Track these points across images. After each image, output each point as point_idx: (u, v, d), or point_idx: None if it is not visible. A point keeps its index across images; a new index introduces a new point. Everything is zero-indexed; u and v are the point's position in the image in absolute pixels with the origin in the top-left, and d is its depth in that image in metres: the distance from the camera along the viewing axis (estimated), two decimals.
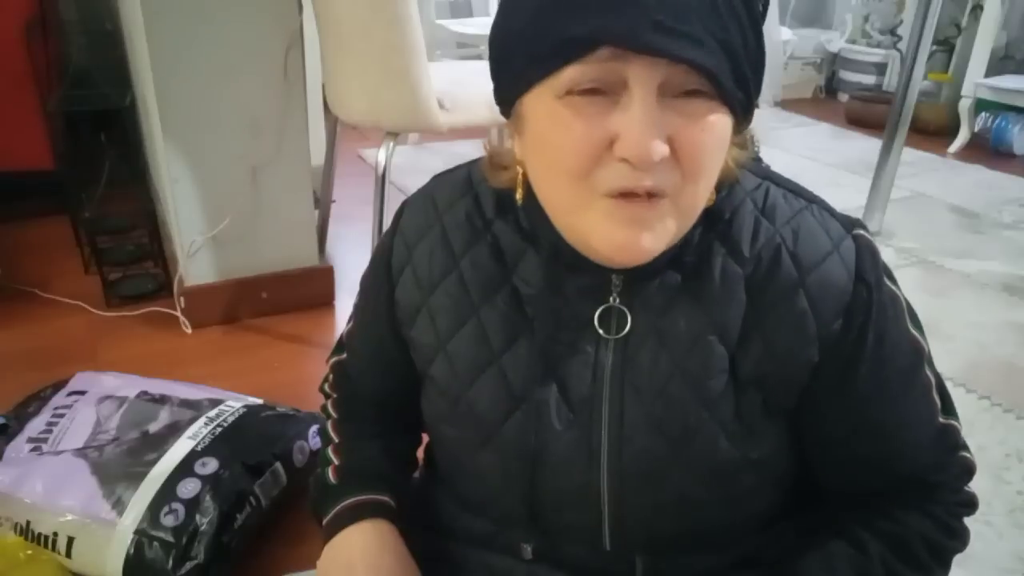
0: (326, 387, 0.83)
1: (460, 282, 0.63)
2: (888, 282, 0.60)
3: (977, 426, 1.41)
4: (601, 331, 0.60)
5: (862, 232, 0.60)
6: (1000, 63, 3.43)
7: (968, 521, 0.66)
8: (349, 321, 0.79)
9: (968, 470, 0.65)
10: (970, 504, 0.65)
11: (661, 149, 0.48)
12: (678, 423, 0.58)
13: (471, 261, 0.63)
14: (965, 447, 0.66)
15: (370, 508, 0.70)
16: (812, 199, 0.62)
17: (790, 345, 0.58)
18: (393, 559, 0.67)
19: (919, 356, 0.62)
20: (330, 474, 0.74)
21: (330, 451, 0.77)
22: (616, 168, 0.49)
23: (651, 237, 0.52)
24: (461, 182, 0.67)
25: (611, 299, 0.60)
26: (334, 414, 0.80)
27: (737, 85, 0.50)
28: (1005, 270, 2.12)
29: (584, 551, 0.65)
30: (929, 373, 0.63)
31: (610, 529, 0.62)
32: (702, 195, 0.54)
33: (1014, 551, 1.10)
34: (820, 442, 0.63)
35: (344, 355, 0.80)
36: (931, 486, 0.64)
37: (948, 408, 0.64)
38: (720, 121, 0.51)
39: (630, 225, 0.51)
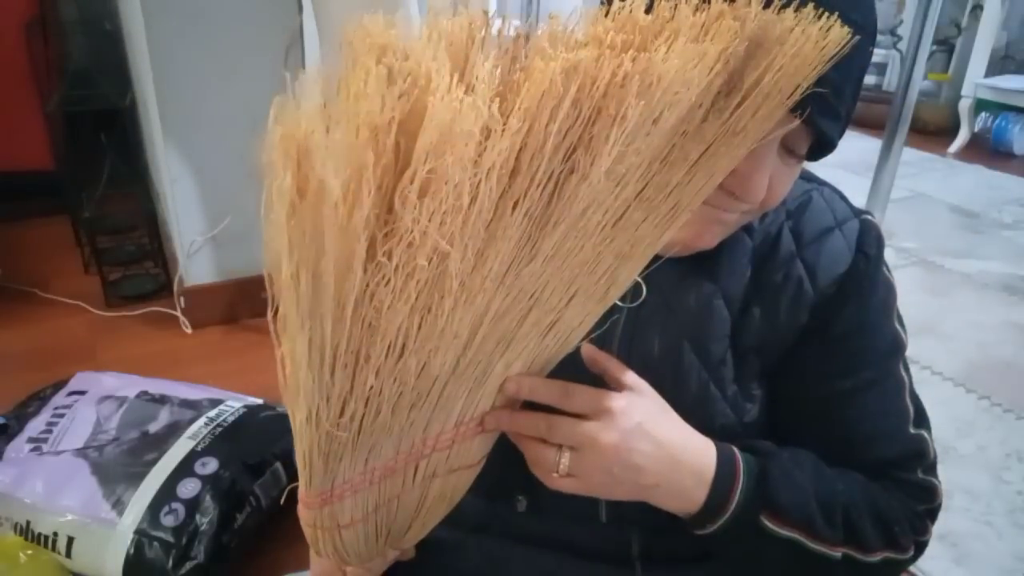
0: None
1: None
2: (886, 270, 0.62)
3: (977, 426, 1.41)
4: (617, 301, 0.61)
5: (870, 218, 0.63)
6: (1000, 63, 3.43)
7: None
8: None
9: (931, 490, 0.62)
10: (920, 528, 0.61)
11: (760, 196, 0.53)
12: (681, 388, 0.60)
13: None
14: (933, 468, 0.63)
15: None
16: (823, 183, 0.65)
17: (787, 312, 0.60)
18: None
19: (898, 349, 0.63)
20: None
21: None
22: (718, 192, 0.52)
23: (708, 240, 0.57)
24: None
25: None
26: None
27: (837, 140, 0.54)
28: (1005, 270, 2.12)
29: (582, 530, 0.65)
30: (903, 373, 0.63)
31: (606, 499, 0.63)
32: (765, 208, 0.58)
33: (1014, 551, 1.10)
34: (788, 408, 0.63)
35: None
36: (893, 484, 0.62)
37: (921, 420, 0.63)
38: (801, 165, 0.55)
39: (720, 226, 0.56)
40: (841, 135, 0.54)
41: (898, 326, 0.63)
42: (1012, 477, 1.26)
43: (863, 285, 0.60)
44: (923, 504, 0.62)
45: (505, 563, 0.69)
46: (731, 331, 0.60)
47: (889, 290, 0.63)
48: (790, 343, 0.61)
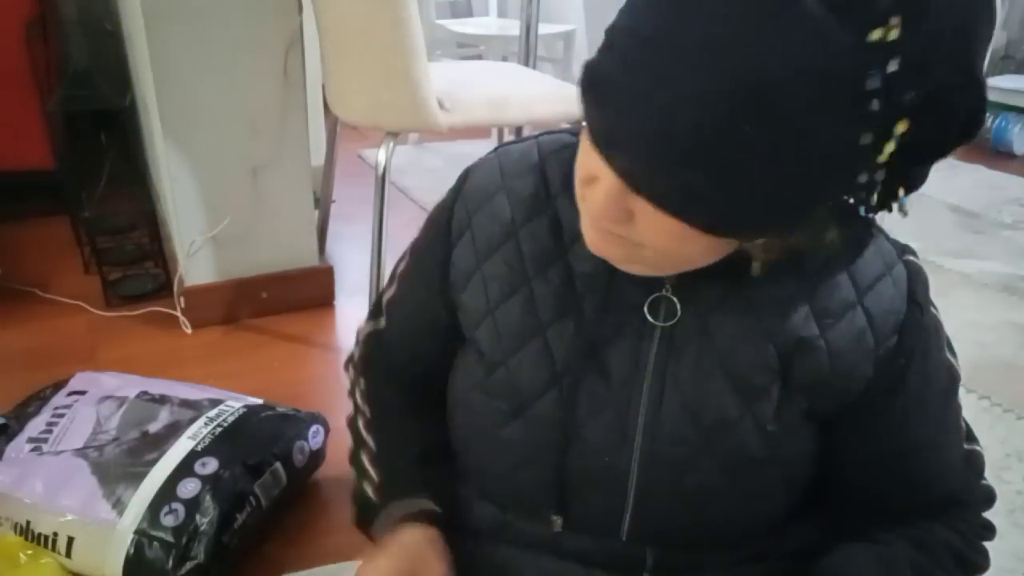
0: (355, 362, 0.81)
1: (517, 251, 0.63)
2: (933, 308, 0.63)
3: (977, 426, 1.39)
4: (650, 317, 0.60)
5: (912, 258, 0.62)
6: (1000, 63, 3.43)
7: None
8: (390, 286, 0.77)
9: (990, 498, 0.68)
10: (991, 528, 0.67)
11: (615, 222, 0.50)
12: (714, 415, 0.59)
13: (530, 232, 0.63)
14: (983, 470, 0.68)
15: (415, 517, 0.69)
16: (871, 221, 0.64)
17: (850, 359, 0.59)
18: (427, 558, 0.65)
19: (955, 381, 0.64)
20: (370, 493, 0.72)
21: (365, 460, 0.73)
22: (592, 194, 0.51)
23: (622, 257, 0.55)
24: (529, 155, 0.67)
25: (664, 289, 0.60)
26: (366, 410, 0.77)
27: (738, 225, 0.47)
28: (1005, 270, 2.12)
29: (597, 541, 0.65)
30: (958, 400, 0.65)
31: (631, 516, 0.62)
32: (682, 261, 0.54)
33: (1014, 551, 1.10)
34: (857, 459, 0.64)
35: (382, 322, 0.77)
36: (957, 506, 0.66)
37: (971, 435, 0.67)
38: (692, 236, 0.48)
39: (604, 238, 0.54)
40: (715, 222, 0.46)
41: (950, 357, 0.64)
42: (1012, 477, 1.26)
43: (921, 338, 0.60)
44: (982, 513, 0.67)
45: (513, 570, 0.68)
46: (780, 367, 0.59)
47: (939, 329, 0.63)
48: (855, 394, 0.60)
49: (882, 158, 0.43)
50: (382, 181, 1.42)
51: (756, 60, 0.40)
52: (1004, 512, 1.16)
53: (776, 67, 0.40)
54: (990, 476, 0.70)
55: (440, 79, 1.38)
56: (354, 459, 0.76)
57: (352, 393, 0.80)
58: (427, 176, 2.70)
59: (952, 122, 0.44)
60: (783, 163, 0.43)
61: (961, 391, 0.66)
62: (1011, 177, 2.99)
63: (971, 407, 1.45)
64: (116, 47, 2.12)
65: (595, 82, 0.47)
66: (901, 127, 0.42)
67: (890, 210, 0.49)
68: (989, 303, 1.93)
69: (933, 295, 0.64)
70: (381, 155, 1.42)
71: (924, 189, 0.50)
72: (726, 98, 0.41)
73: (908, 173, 0.47)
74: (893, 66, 0.40)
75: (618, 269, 0.59)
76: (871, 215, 0.48)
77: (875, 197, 0.47)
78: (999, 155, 3.24)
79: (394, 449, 0.74)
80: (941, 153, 0.46)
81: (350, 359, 0.82)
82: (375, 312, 0.79)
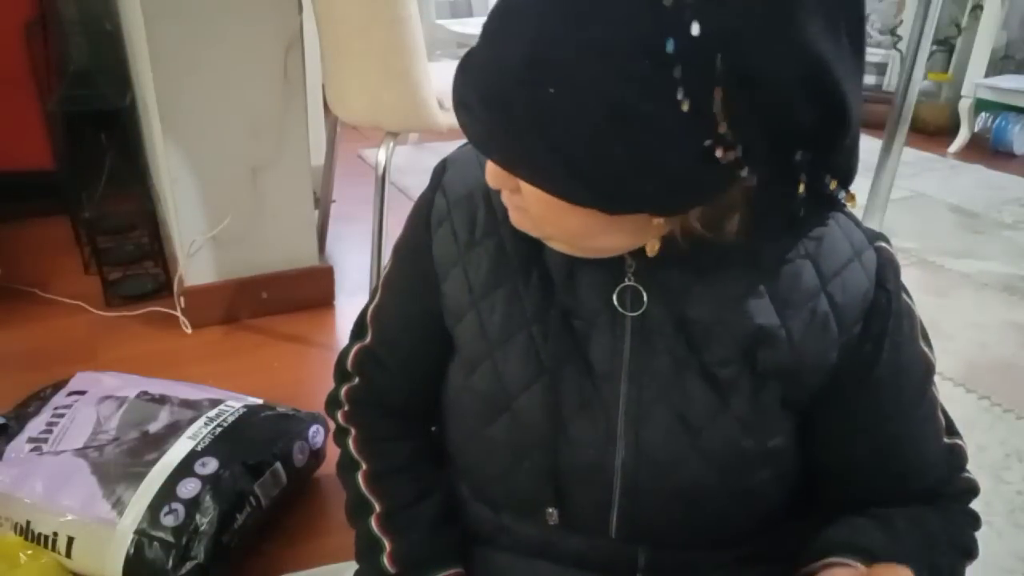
0: (344, 408, 0.76)
1: (500, 246, 0.63)
2: (905, 296, 0.62)
3: (977, 426, 1.40)
4: (619, 307, 0.60)
5: (884, 245, 0.61)
6: (1000, 63, 3.43)
7: None
8: (372, 299, 0.75)
9: (973, 489, 0.67)
10: (976, 518, 0.67)
11: (510, 192, 0.54)
12: (695, 409, 0.59)
13: (512, 229, 0.62)
14: (965, 465, 0.68)
15: None
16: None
17: (813, 346, 0.59)
18: None
19: (929, 372, 0.64)
20: (385, 563, 0.67)
21: (373, 524, 0.69)
22: None
23: (537, 233, 0.57)
24: None
25: (627, 278, 0.60)
26: (363, 463, 0.72)
27: (589, 196, 0.47)
28: (1005, 270, 2.12)
29: (588, 541, 0.65)
30: (934, 391, 0.65)
31: (618, 513, 0.62)
32: (579, 236, 0.54)
33: (1014, 551, 1.10)
34: (834, 450, 0.64)
35: (368, 337, 0.74)
36: (940, 498, 0.66)
37: (952, 428, 0.67)
38: (564, 208, 0.49)
39: (513, 211, 0.57)
40: (565, 190, 0.47)
41: (925, 347, 0.63)
42: (1012, 477, 1.26)
43: (890, 325, 0.59)
44: (968, 504, 0.67)
45: (507, 573, 0.68)
46: (746, 356, 0.59)
47: (912, 317, 0.62)
48: (822, 382, 0.60)
49: (723, 129, 0.41)
50: (382, 181, 1.42)
51: (553, 26, 0.42)
52: (1004, 512, 1.16)
53: (571, 32, 0.42)
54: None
55: (440, 79, 1.38)
56: (355, 517, 0.71)
57: (342, 442, 0.76)
58: (427, 176, 2.69)
59: (789, 97, 0.41)
60: (601, 128, 0.43)
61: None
62: (1011, 177, 2.99)
63: (971, 407, 1.45)
64: (116, 47, 2.12)
65: (464, 55, 0.50)
66: (719, 95, 0.41)
67: (839, 205, 0.49)
68: (989, 303, 1.93)
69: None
70: (381, 155, 1.42)
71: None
72: (528, 61, 0.43)
73: (828, 161, 0.45)
74: (695, 29, 0.39)
75: (584, 263, 0.60)
76: (824, 207, 0.48)
77: (799, 186, 0.45)
78: (999, 155, 3.24)
79: (405, 511, 0.70)
80: (830, 136, 0.44)
81: (335, 403, 0.77)
82: (359, 332, 0.75)
